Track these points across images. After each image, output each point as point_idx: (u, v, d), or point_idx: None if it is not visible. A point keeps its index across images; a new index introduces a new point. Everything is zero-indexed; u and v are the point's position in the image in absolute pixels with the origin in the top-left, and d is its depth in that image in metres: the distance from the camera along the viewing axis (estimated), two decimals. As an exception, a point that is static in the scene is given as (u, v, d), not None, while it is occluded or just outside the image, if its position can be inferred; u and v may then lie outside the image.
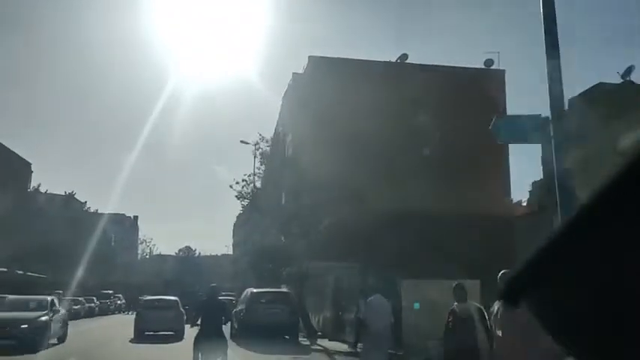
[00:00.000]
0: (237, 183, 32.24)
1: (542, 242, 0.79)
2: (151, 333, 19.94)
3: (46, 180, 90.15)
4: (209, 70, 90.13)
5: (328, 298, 19.73)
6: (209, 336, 10.08)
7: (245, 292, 19.92)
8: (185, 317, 19.49)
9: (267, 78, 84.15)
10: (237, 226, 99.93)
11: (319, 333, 18.64)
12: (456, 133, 36.46)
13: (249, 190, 32.54)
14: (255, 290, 19.64)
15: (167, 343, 18.17)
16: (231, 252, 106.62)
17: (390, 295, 12.32)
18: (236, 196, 34.02)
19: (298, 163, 33.29)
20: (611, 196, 0.74)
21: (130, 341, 18.91)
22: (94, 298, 39.86)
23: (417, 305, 11.89)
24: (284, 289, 19.95)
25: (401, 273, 17.57)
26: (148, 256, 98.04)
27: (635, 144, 0.80)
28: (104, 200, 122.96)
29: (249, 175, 33.86)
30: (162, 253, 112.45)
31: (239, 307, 19.54)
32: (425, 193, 34.24)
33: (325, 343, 17.44)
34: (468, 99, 36.98)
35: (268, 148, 37.77)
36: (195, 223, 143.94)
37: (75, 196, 54.94)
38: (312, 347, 16.89)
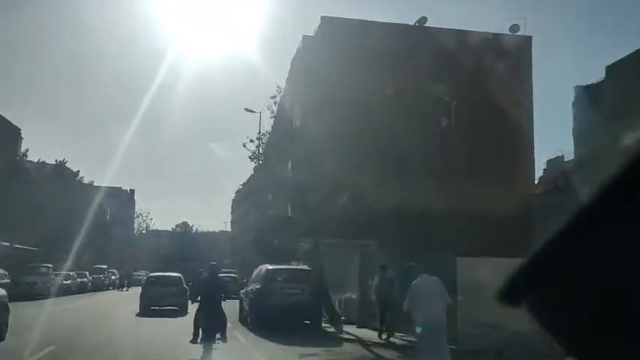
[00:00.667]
0: (251, 141, 29.61)
1: (541, 242, 0.79)
2: (156, 308, 20.39)
3: (38, 150, 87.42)
4: (208, 44, 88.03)
5: (352, 279, 17.17)
6: (209, 312, 10.35)
7: (258, 270, 17.18)
8: (188, 293, 19.39)
9: (269, 53, 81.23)
10: (236, 202, 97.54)
11: (343, 318, 16.06)
12: (477, 103, 33.87)
13: (262, 151, 29.90)
14: (271, 267, 16.81)
15: (170, 317, 18.43)
16: (229, 229, 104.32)
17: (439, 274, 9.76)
18: (249, 157, 32.56)
19: (309, 132, 30.59)
20: (611, 196, 0.74)
21: (121, 324, 16.44)
22: (87, 273, 37.39)
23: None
24: (304, 266, 17.21)
25: (429, 250, 15.19)
26: (144, 232, 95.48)
27: (636, 144, 0.67)
28: (99, 174, 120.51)
29: (263, 134, 31.26)
30: (158, 229, 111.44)
31: (250, 287, 16.80)
32: (443, 166, 31.90)
33: (353, 330, 14.92)
34: (490, 67, 34.25)
35: (272, 120, 35.37)
36: (192, 200, 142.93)
37: (66, 165, 52.13)
38: (340, 335, 14.34)
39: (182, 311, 18.75)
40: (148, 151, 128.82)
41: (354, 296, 16.78)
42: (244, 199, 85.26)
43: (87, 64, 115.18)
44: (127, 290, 41.74)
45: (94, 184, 67.04)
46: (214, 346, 10.25)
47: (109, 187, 78.36)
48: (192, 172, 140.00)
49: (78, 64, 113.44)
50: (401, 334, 13.72)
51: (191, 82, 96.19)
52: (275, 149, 43.05)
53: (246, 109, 39.80)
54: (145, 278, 53.39)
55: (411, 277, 14.16)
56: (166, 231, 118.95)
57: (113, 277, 45.31)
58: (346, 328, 15.23)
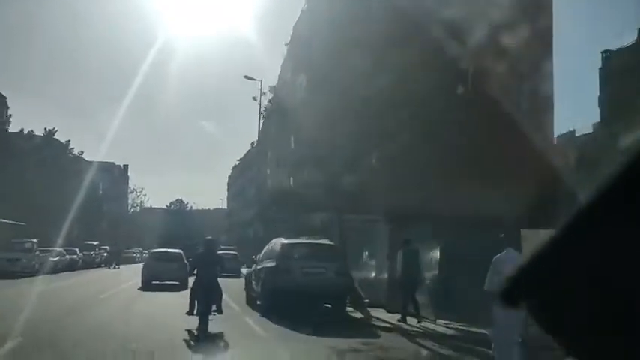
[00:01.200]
0: (264, 93, 27.37)
1: (541, 242, 0.79)
2: (158, 282, 21.31)
3: (27, 123, 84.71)
4: (202, 22, 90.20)
5: (378, 257, 14.90)
6: (205, 285, 10.69)
7: (272, 245, 14.64)
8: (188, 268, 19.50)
9: (264, 29, 78.84)
10: (232, 179, 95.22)
11: (367, 300, 13.82)
12: (494, 69, 31.46)
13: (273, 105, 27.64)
14: (287, 241, 14.17)
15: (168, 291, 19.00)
16: (224, 206, 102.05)
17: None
18: (261, 113, 31.06)
19: (318, 98, 28.18)
20: (611, 196, 0.74)
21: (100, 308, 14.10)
22: (77, 249, 35.04)
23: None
24: (327, 241, 14.72)
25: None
26: (138, 209, 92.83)
27: (635, 144, 0.75)
28: (92, 151, 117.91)
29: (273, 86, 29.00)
30: (153, 207, 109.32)
31: (262, 265, 14.30)
32: (460, 137, 29.73)
33: (383, 315, 12.66)
34: (508, 30, 31.76)
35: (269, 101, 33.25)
36: (186, 177, 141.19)
37: (55, 136, 49.51)
38: (373, 322, 12.09)
39: (182, 285, 18.99)
40: (141, 129, 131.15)
41: (380, 276, 14.50)
42: (241, 174, 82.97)
43: (79, 41, 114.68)
44: (116, 268, 39.46)
45: (83, 156, 64.58)
46: (210, 317, 10.62)
47: (102, 162, 76.23)
48: (186, 150, 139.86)
49: (70, 42, 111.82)
50: (445, 321, 11.54)
51: (185, 59, 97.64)
52: (277, 121, 40.81)
53: (246, 77, 37.39)
54: (137, 256, 51.83)
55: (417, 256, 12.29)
56: (161, 208, 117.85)
57: (105, 254, 43.06)
58: (373, 312, 13.01)
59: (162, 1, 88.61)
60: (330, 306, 13.48)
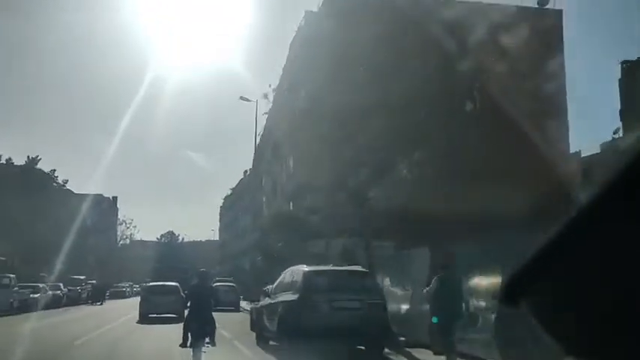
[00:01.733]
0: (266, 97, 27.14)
1: (541, 242, 0.79)
2: (154, 315, 21.49)
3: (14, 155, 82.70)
4: (192, 54, 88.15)
5: (413, 286, 12.46)
6: (199, 318, 10.61)
7: (290, 274, 11.91)
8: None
9: (254, 62, 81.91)
10: (224, 209, 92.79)
11: (402, 339, 11.37)
12: (503, 83, 29.73)
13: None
14: (311, 269, 11.46)
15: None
16: (216, 237, 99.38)
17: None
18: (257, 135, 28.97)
19: (320, 113, 26.12)
20: (610, 196, 0.74)
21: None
22: (61, 284, 32.28)
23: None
24: (359, 268, 12.22)
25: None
26: (128, 241, 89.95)
27: (635, 144, 0.83)
28: (81, 182, 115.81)
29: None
30: (143, 239, 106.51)
31: (279, 298, 11.65)
32: (472, 152, 27.88)
33: (428, 357, 10.13)
34: (518, 43, 30.11)
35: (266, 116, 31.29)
36: (176, 209, 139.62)
37: (40, 165, 47.10)
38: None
39: (179, 318, 17.72)
40: (131, 162, 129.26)
41: (416, 309, 12.00)
42: (233, 204, 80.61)
43: (69, 72, 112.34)
44: (100, 304, 36.46)
45: (73, 190, 62.26)
46: (203, 349, 10.57)
47: (90, 194, 73.80)
48: (176, 182, 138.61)
49: (59, 73, 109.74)
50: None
51: (175, 91, 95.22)
52: (274, 144, 38.68)
53: (242, 98, 35.47)
54: (127, 290, 49.20)
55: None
56: (152, 241, 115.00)
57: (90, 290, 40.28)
58: (415, 353, 10.59)
59: (154, 33, 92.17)
60: (364, 348, 11.08)
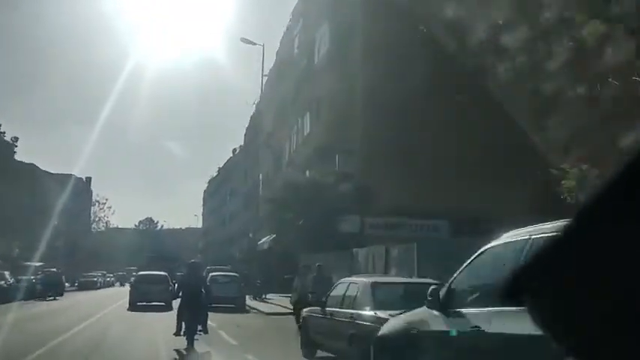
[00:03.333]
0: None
1: (542, 243, 0.82)
2: (144, 303, 21.51)
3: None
4: (173, 42, 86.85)
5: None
6: (191, 307, 11.01)
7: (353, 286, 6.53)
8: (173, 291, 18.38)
9: (236, 49, 79.06)
10: (208, 193, 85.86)
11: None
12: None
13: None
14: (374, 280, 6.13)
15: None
16: (198, 225, 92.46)
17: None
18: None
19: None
20: (611, 195, 0.75)
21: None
22: (6, 273, 24.48)
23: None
24: (430, 279, 6.63)
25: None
26: (103, 227, 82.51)
27: (636, 144, 1.07)
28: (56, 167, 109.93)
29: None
30: (120, 227, 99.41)
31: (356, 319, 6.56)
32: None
33: None
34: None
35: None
36: (153, 198, 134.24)
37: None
38: None
39: (167, 306, 18.24)
40: (108, 149, 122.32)
41: None
42: (219, 186, 73.68)
43: (48, 59, 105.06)
44: (53, 299, 27.28)
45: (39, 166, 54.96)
46: (196, 337, 10.85)
47: (59, 174, 66.44)
48: (153, 171, 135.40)
49: (38, 60, 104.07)
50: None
51: (155, 80, 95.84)
52: (279, 107, 32.04)
53: (243, 40, 28.77)
54: (99, 280, 42.39)
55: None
56: (129, 229, 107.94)
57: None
58: None
59: (135, 23, 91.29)
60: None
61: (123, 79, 73.62)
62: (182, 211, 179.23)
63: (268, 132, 36.73)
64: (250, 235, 48.15)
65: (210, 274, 20.75)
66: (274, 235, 25.71)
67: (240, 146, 59.30)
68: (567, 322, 0.81)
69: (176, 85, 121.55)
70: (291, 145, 29.65)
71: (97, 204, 69.65)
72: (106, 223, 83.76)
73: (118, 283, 45.58)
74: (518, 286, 0.84)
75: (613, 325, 0.75)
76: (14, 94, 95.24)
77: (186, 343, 10.50)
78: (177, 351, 10.30)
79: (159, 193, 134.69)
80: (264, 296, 24.04)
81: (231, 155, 65.71)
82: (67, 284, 39.94)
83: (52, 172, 64.11)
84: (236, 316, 17.69)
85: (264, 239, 29.22)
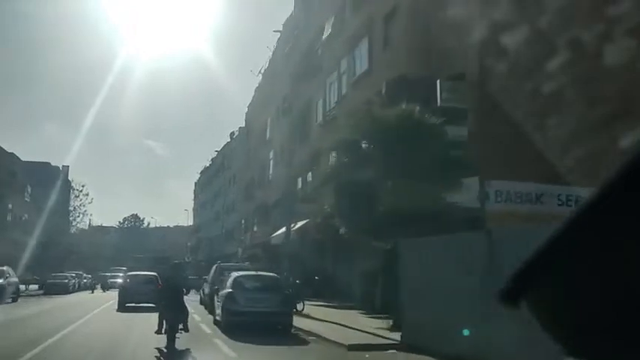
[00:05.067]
0: None
1: (542, 243, 0.79)
2: (132, 305, 21.06)
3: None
4: (161, 42, 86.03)
5: None
6: (172, 306, 11.29)
7: None
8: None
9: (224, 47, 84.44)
10: (200, 185, 78.02)
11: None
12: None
13: None
14: None
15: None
16: (187, 223, 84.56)
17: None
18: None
19: None
20: (611, 195, 0.74)
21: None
22: None
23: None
24: None
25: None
26: (84, 222, 74.11)
27: (636, 144, 0.80)
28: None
29: None
30: (103, 225, 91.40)
31: None
32: None
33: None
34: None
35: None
36: (137, 196, 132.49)
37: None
38: None
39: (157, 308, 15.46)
40: (93, 149, 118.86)
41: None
42: (214, 176, 65.89)
43: (33, 58, 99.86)
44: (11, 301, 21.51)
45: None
46: (177, 335, 10.99)
47: (33, 162, 58.42)
48: (136, 170, 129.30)
49: (25, 61, 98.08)
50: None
51: (142, 80, 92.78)
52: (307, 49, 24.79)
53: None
54: (72, 282, 34.70)
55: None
56: (112, 227, 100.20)
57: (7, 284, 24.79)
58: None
59: (122, 20, 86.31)
60: None
61: (111, 78, 71.59)
62: (169, 210, 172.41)
63: (284, 95, 29.26)
64: (255, 228, 40.54)
65: (233, 278, 13.22)
66: (317, 219, 17.67)
67: (241, 128, 51.69)
68: (567, 323, 0.79)
69: (162, 83, 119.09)
70: (327, 99, 22.13)
71: (74, 190, 61.42)
72: (89, 219, 75.73)
73: (98, 286, 37.47)
74: (516, 287, 0.81)
75: (613, 325, 0.73)
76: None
77: (166, 341, 10.64)
78: (158, 349, 10.46)
79: (145, 193, 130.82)
80: (302, 307, 16.30)
81: (229, 141, 58.05)
82: (29, 287, 32.31)
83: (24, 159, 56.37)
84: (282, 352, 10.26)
85: (299, 224, 21.72)
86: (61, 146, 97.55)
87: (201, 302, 22.12)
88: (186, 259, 65.41)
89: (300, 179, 25.63)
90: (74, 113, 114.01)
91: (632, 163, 0.73)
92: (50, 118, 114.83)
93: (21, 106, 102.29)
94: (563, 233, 0.78)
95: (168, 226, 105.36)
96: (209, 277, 20.00)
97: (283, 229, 25.26)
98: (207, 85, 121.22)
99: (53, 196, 53.96)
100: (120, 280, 38.57)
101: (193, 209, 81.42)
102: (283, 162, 30.21)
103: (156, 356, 9.87)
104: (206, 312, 18.22)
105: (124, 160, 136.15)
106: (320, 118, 20.47)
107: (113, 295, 25.24)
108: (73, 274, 34.38)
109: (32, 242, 43.89)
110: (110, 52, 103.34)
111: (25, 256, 39.31)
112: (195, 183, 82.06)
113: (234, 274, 13.85)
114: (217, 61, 75.65)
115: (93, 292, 34.20)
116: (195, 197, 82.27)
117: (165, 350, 10.27)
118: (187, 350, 10.34)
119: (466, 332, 8.43)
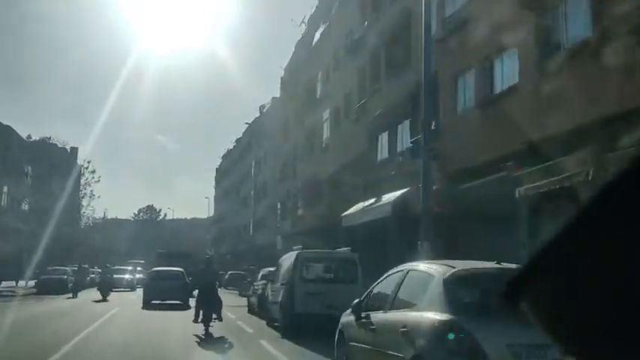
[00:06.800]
0: None
1: (542, 243, 0.80)
2: (158, 302, 20.47)
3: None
4: (173, 38, 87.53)
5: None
6: (207, 297, 12.86)
7: None
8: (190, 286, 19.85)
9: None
10: (222, 172, 71.02)
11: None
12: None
13: None
14: None
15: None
16: (205, 215, 77.89)
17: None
18: None
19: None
20: (611, 196, 0.74)
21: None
22: None
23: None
24: None
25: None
26: (100, 220, 67.27)
27: (636, 144, 1.17)
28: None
29: None
30: (118, 217, 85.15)
31: None
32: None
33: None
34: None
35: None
36: (153, 191, 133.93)
37: None
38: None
39: (185, 305, 18.83)
40: (106, 139, 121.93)
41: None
42: (239, 159, 58.62)
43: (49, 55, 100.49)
44: None
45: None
46: (211, 324, 12.47)
47: (37, 140, 51.57)
48: (146, 163, 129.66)
49: (37, 57, 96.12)
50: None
51: (158, 74, 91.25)
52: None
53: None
54: (68, 277, 27.65)
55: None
56: (127, 220, 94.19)
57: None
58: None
59: (136, 16, 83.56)
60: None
61: (124, 75, 73.30)
62: (184, 204, 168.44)
63: (350, 29, 21.86)
64: (299, 212, 33.33)
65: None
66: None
67: (273, 98, 44.45)
68: (567, 323, 0.78)
69: (178, 78, 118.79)
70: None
71: (82, 169, 54.53)
72: (104, 212, 68.99)
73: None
74: (516, 287, 0.81)
75: (613, 326, 0.73)
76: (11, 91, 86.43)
77: (203, 329, 12.19)
78: (197, 335, 11.82)
79: (158, 187, 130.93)
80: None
81: (257, 116, 50.80)
82: (20, 283, 25.48)
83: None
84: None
85: (392, 195, 14.28)
86: (74, 142, 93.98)
87: (251, 309, 17.46)
88: (209, 252, 58.27)
89: (385, 133, 18.26)
90: (87, 109, 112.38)
91: (632, 163, 0.72)
92: (63, 114, 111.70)
93: (33, 102, 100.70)
94: (563, 233, 0.76)
95: (185, 218, 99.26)
96: (279, 273, 13.44)
97: (361, 205, 17.90)
98: (219, 81, 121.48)
99: (63, 182, 46.93)
100: (128, 277, 33.80)
101: (214, 198, 74.37)
102: (348, 119, 22.83)
103: (195, 342, 11.28)
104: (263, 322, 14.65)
105: (136, 156, 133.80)
106: (435, 28, 13.13)
107: (114, 303, 20.53)
108: (75, 268, 27.10)
109: (37, 231, 36.96)
110: (123, 48, 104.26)
111: (26, 248, 32.76)
112: (217, 169, 75.04)
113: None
114: (231, 58, 76.77)
115: (75, 297, 23.37)
116: (216, 185, 75.23)
117: (202, 337, 11.83)
118: (222, 338, 11.59)
119: None
